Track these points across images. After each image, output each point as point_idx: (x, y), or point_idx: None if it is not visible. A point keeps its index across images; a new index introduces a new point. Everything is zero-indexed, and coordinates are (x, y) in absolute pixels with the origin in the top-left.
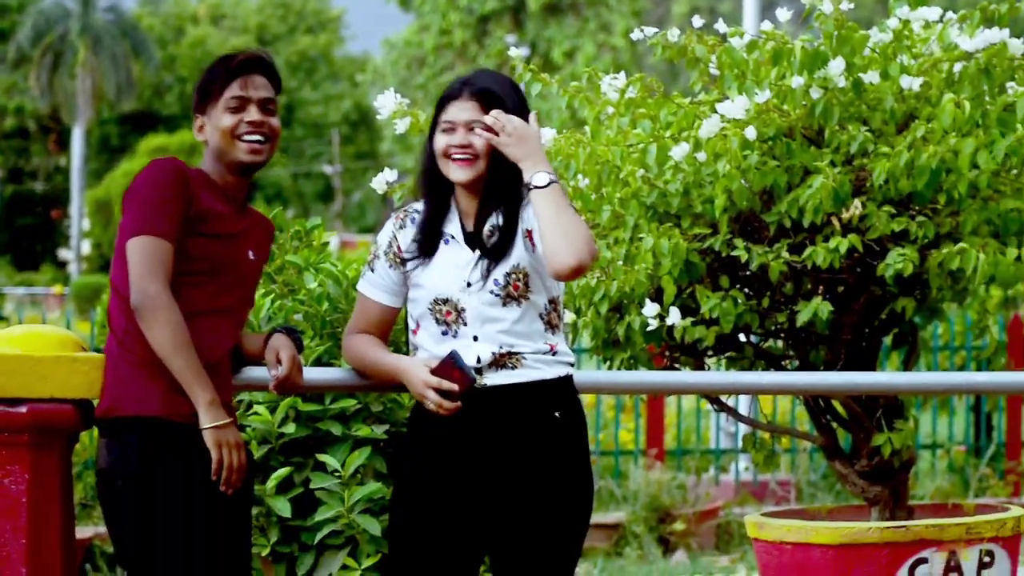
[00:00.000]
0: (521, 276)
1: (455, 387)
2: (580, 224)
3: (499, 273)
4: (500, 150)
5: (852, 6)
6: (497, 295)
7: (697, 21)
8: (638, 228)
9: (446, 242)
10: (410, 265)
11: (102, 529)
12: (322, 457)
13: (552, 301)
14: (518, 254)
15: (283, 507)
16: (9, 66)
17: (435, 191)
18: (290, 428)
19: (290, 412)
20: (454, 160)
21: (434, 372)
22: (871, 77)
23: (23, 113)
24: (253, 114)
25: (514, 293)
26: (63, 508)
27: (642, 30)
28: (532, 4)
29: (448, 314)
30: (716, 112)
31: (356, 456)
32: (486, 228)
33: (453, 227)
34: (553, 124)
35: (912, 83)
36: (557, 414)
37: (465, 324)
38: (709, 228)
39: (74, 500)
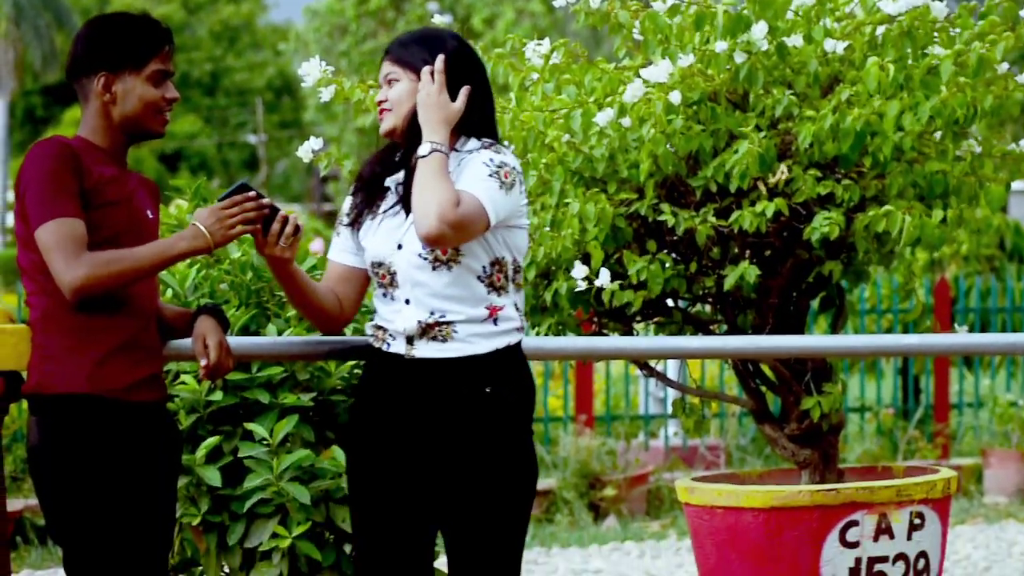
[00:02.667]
0: None
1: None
2: (440, 194)
3: None
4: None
5: None
6: (425, 258)
7: None
8: (564, 194)
9: (388, 204)
10: (359, 227)
11: (32, 502)
12: (250, 426)
13: (496, 263)
14: None
15: (213, 476)
16: None
17: (381, 153)
18: (217, 396)
19: (217, 381)
20: (380, 117)
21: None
22: (795, 41)
23: None
24: (172, 91)
25: (442, 257)
26: None
27: None
28: None
29: (383, 277)
30: (640, 77)
31: (283, 424)
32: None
33: (395, 186)
34: None
35: (836, 46)
36: (488, 389)
37: (397, 287)
38: (635, 193)
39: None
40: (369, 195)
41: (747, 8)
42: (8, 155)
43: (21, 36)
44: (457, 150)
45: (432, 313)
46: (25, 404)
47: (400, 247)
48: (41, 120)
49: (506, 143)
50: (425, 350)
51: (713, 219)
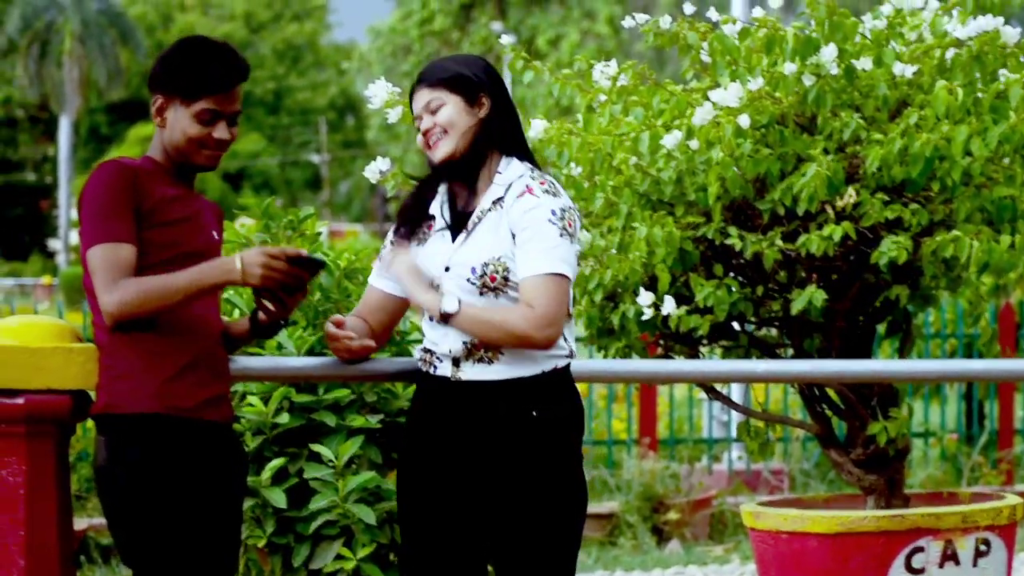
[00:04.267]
0: (500, 268)
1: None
2: (509, 326)
3: (476, 262)
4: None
5: None
6: (473, 283)
7: (688, 8)
8: (631, 216)
9: (436, 228)
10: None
11: (96, 520)
12: (316, 447)
13: None
14: (499, 246)
15: (278, 498)
16: None
17: (425, 179)
18: (284, 418)
19: (284, 403)
20: (430, 147)
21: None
22: (864, 64)
23: (11, 103)
24: (222, 131)
25: (490, 284)
26: (60, 499)
27: (633, 17)
28: None
29: None
30: (708, 100)
31: (350, 446)
32: (475, 214)
33: (440, 210)
34: (539, 111)
35: (905, 70)
36: (535, 412)
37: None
38: (703, 216)
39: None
40: (415, 221)
41: (816, 31)
42: (73, 173)
43: (86, 54)
44: (500, 172)
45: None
46: (89, 423)
47: (448, 269)
48: (105, 138)
49: (573, 164)
50: (471, 372)
51: (780, 243)
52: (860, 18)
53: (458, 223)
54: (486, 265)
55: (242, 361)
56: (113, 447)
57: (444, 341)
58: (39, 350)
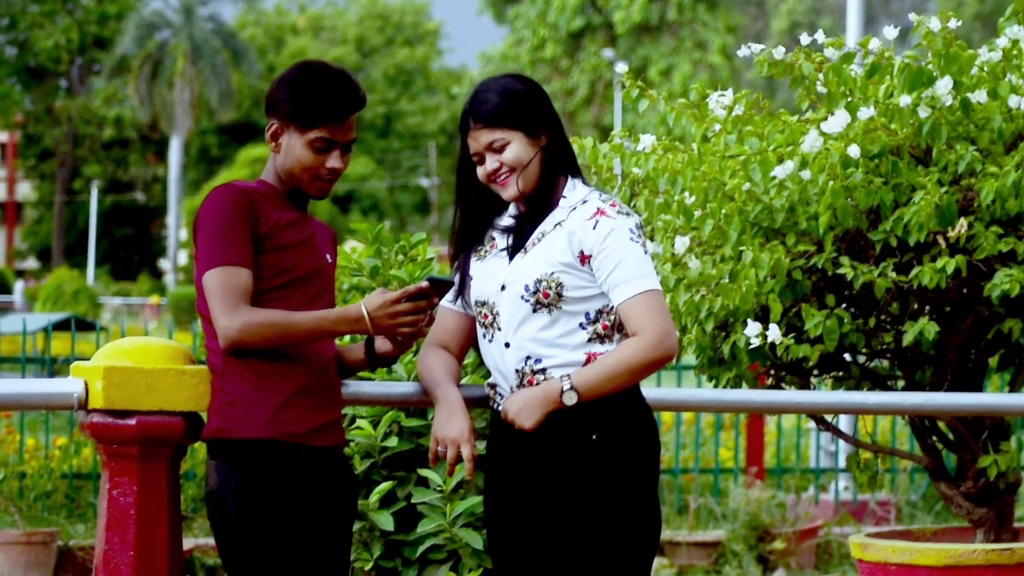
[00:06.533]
0: (553, 284)
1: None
2: (628, 364)
3: (529, 279)
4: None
5: (960, 23)
6: (527, 300)
7: (804, 39)
8: (740, 243)
9: (499, 247)
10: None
11: (202, 541)
12: (424, 472)
13: (603, 311)
14: (553, 262)
15: (386, 521)
16: (108, 75)
17: (467, 198)
18: (392, 442)
19: (393, 427)
20: (498, 184)
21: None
22: (979, 96)
23: (122, 123)
24: (335, 160)
25: (544, 300)
26: (170, 520)
27: (749, 47)
28: (619, 26)
29: (486, 317)
30: (817, 129)
31: (458, 470)
32: (535, 234)
33: (499, 230)
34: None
35: (1021, 103)
36: (595, 436)
37: (499, 329)
38: (814, 246)
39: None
40: (468, 245)
41: (931, 63)
42: (182, 194)
43: (198, 74)
44: (565, 196)
45: (528, 359)
46: (198, 444)
47: (503, 288)
48: (215, 159)
49: (687, 193)
50: None
51: (893, 274)
52: (976, 50)
53: (517, 243)
54: (539, 282)
55: (354, 386)
56: (224, 472)
57: (500, 363)
58: (152, 371)
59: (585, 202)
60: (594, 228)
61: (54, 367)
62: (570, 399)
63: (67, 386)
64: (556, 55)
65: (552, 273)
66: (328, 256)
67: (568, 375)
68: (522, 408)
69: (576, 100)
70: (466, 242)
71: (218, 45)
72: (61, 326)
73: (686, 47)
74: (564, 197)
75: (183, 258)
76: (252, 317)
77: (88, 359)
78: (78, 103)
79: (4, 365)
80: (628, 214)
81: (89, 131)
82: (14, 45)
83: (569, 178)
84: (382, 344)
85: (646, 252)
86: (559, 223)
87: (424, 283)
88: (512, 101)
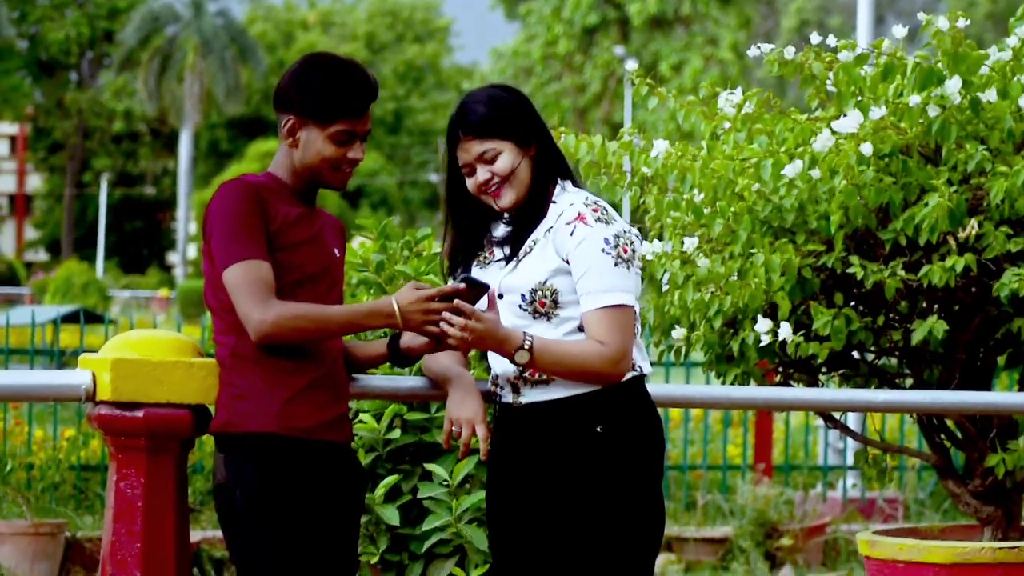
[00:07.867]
0: (548, 292)
1: (457, 287)
2: (583, 359)
3: (525, 288)
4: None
5: (968, 22)
6: (525, 309)
7: (814, 38)
8: (750, 242)
9: (497, 256)
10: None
11: (210, 533)
12: (430, 466)
13: None
14: (545, 269)
15: (392, 515)
16: (116, 68)
17: (459, 215)
18: (396, 435)
19: (396, 420)
20: (490, 195)
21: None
22: (989, 96)
23: (131, 117)
24: (357, 151)
25: (540, 309)
26: (177, 512)
27: (759, 47)
28: (635, 18)
29: None
30: (829, 128)
31: (463, 465)
32: (527, 242)
33: (496, 240)
34: (660, 136)
35: None
36: (599, 428)
37: None
38: (824, 245)
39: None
40: (472, 247)
41: (941, 62)
42: (192, 187)
43: (207, 69)
44: (555, 201)
45: None
46: (205, 437)
47: (501, 296)
48: (225, 153)
49: (696, 190)
50: (531, 395)
51: (902, 273)
52: (986, 50)
53: (512, 252)
54: (534, 292)
55: (362, 381)
56: (232, 466)
57: (500, 364)
58: (160, 364)
59: (572, 205)
60: (571, 234)
61: (63, 359)
62: (521, 358)
63: (75, 378)
64: (569, 51)
65: (546, 281)
66: (336, 251)
67: (532, 338)
68: (482, 335)
69: (588, 96)
70: (462, 258)
71: (226, 40)
72: (70, 318)
73: (697, 43)
74: (554, 203)
75: (192, 251)
76: (286, 310)
77: (96, 351)
78: (88, 96)
79: (13, 357)
80: (608, 222)
81: (99, 124)
82: (24, 38)
83: (559, 182)
84: (409, 340)
85: (619, 264)
86: (549, 228)
87: (460, 284)
88: (501, 110)
